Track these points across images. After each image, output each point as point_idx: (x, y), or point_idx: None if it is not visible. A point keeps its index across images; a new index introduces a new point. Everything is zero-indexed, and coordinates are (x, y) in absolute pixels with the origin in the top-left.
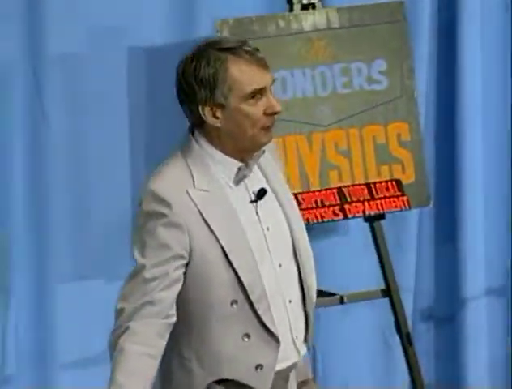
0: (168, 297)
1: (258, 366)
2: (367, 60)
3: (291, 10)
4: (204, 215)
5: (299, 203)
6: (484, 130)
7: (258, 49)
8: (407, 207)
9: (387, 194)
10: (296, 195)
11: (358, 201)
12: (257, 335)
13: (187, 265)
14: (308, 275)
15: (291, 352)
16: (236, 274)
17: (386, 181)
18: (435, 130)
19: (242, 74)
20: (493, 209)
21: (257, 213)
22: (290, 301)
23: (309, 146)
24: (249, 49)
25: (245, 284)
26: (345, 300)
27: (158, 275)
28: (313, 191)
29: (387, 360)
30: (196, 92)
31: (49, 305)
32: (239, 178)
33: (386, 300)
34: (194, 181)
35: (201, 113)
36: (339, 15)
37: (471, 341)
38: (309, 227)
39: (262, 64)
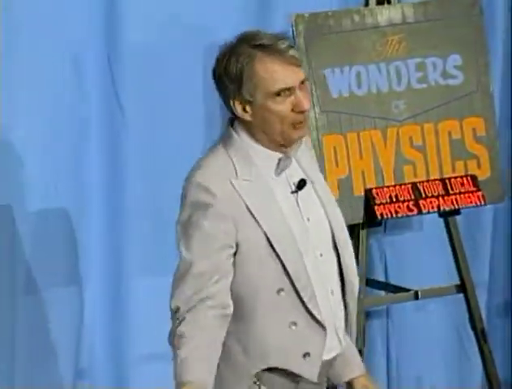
0: (222, 289)
1: (306, 354)
2: (442, 55)
3: (366, 4)
4: (248, 204)
5: (373, 198)
6: None
7: (292, 46)
8: (482, 202)
9: (462, 190)
10: (370, 190)
11: (432, 196)
12: (304, 324)
13: (234, 255)
14: (348, 266)
15: (334, 343)
16: (281, 262)
17: (462, 177)
18: (510, 125)
19: (268, 72)
20: None
21: (297, 204)
22: (332, 292)
23: (383, 141)
24: (282, 46)
25: (291, 272)
26: (419, 295)
27: (208, 269)
28: (388, 186)
29: (462, 357)
30: (226, 86)
31: (124, 301)
32: (280, 169)
33: (461, 296)
34: (236, 171)
35: (232, 106)
36: (414, 10)
37: None
38: (384, 222)
39: (292, 62)
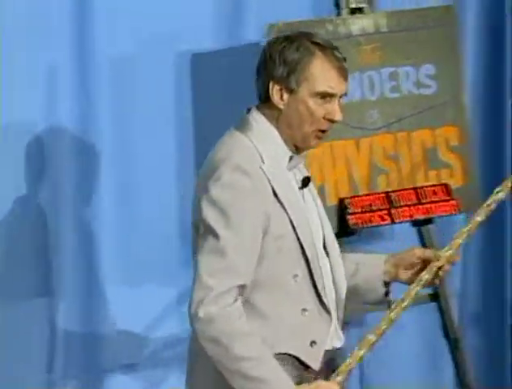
0: (252, 270)
1: (313, 342)
2: (415, 64)
3: (339, 14)
4: (276, 190)
5: (346, 208)
6: None
7: (345, 59)
8: (456, 211)
9: (435, 199)
10: (344, 200)
11: (406, 206)
12: (313, 310)
13: (264, 236)
14: (337, 272)
15: (336, 335)
16: (301, 247)
17: (434, 186)
18: (483, 134)
19: (322, 72)
20: None
21: (304, 199)
22: (336, 291)
23: (357, 150)
24: (339, 55)
25: (309, 256)
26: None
27: (244, 249)
28: (361, 196)
29: (434, 366)
30: (275, 67)
31: (97, 309)
32: (291, 166)
33: (434, 305)
34: (262, 158)
35: (270, 88)
36: (387, 19)
37: None
38: (357, 231)
39: (343, 73)
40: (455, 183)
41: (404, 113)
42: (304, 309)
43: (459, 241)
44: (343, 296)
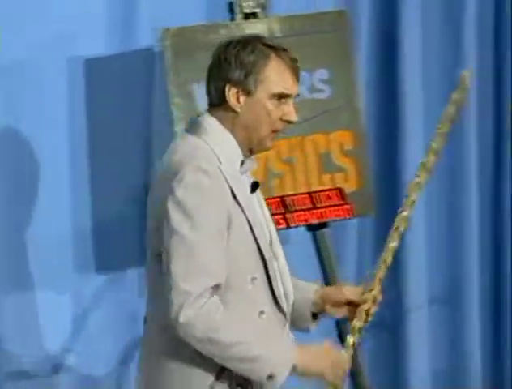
0: (224, 269)
1: None
2: (309, 69)
3: (232, 19)
4: (234, 191)
5: None
6: (426, 137)
7: (296, 60)
8: (350, 215)
9: (330, 203)
10: None
11: (301, 210)
12: (270, 313)
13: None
14: (284, 275)
15: (290, 334)
16: (259, 248)
17: (329, 190)
18: (377, 138)
19: (278, 73)
20: (435, 218)
21: (256, 203)
22: (286, 295)
23: None
24: (292, 56)
25: (266, 257)
26: None
27: (212, 248)
28: None
29: None
30: (231, 70)
31: None
32: (244, 169)
33: None
34: (219, 159)
35: (226, 92)
36: (280, 24)
37: (414, 350)
38: None
39: (296, 74)
40: (349, 187)
41: (298, 117)
42: (261, 312)
43: (380, 275)
44: (292, 299)
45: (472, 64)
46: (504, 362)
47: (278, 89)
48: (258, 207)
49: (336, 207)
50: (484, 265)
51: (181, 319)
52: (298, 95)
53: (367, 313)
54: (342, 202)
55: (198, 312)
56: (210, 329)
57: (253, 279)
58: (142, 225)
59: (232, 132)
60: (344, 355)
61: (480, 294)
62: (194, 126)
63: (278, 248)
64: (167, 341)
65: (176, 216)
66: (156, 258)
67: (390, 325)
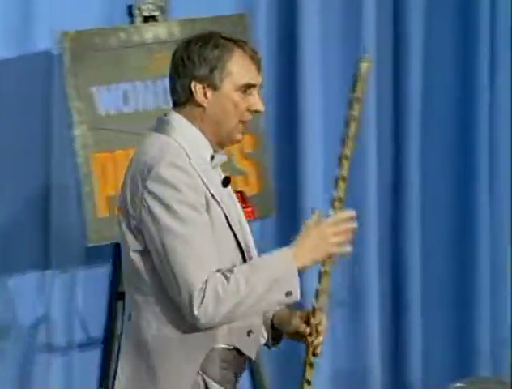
0: (216, 259)
1: (250, 332)
2: None
3: (132, 22)
4: (207, 184)
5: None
6: (326, 139)
7: (257, 52)
8: (252, 218)
9: None
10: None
11: None
12: None
13: None
14: None
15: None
16: (236, 240)
17: None
18: (277, 141)
19: (243, 66)
20: None
21: (228, 198)
22: None
23: None
24: (253, 48)
25: (244, 247)
26: None
27: (203, 237)
28: None
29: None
30: (195, 68)
31: None
32: (214, 164)
33: None
34: (187, 153)
35: (192, 88)
36: (181, 27)
37: None
38: None
39: (259, 65)
40: (251, 190)
41: None
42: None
43: (319, 306)
44: None
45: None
46: (402, 362)
47: (244, 80)
48: (231, 201)
49: None
50: (383, 268)
51: (197, 312)
52: (261, 85)
53: (312, 346)
54: (243, 205)
55: (208, 299)
56: (228, 300)
57: (233, 267)
58: (42, 227)
59: (201, 128)
60: (327, 220)
61: (380, 296)
62: (161, 125)
63: (250, 242)
64: (153, 336)
65: (162, 214)
66: (135, 253)
67: None
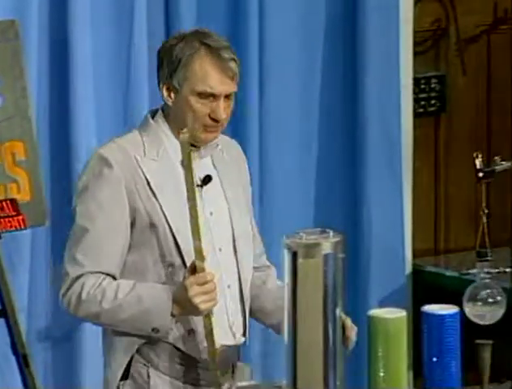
0: (117, 258)
1: (190, 331)
2: None
3: None
4: (151, 183)
5: None
6: (100, 144)
7: (234, 59)
8: (22, 226)
9: (2, 214)
10: None
11: None
12: None
13: (132, 226)
14: (244, 269)
15: (226, 335)
16: (174, 238)
17: (2, 201)
18: (50, 148)
19: (201, 71)
20: None
21: (201, 197)
22: (229, 286)
23: None
24: (225, 55)
25: (183, 248)
26: None
27: (104, 237)
28: None
29: (4, 382)
30: (162, 68)
31: None
32: (186, 161)
33: (2, 321)
34: (145, 149)
35: (160, 88)
36: None
37: (88, 361)
38: None
39: (228, 74)
40: (23, 198)
41: None
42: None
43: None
44: (247, 294)
45: (144, 64)
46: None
47: (200, 87)
48: (213, 199)
49: (9, 218)
50: None
51: (61, 298)
52: (231, 94)
53: None
54: (14, 213)
55: (70, 293)
56: (85, 305)
57: (170, 265)
58: None
59: (172, 126)
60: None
61: None
62: (142, 122)
63: (243, 241)
64: None
65: (77, 200)
66: None
67: (64, 336)
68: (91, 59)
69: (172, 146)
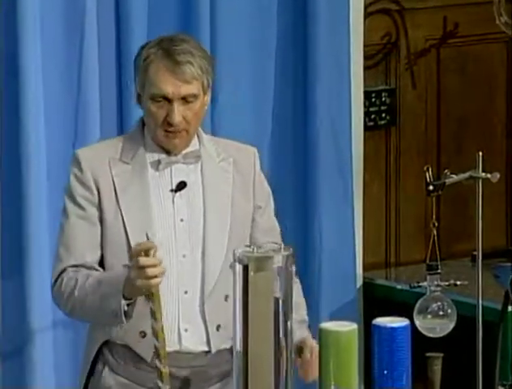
0: (94, 249)
1: (142, 333)
2: None
3: None
4: (117, 187)
5: None
6: (48, 154)
7: (191, 62)
8: None
9: None
10: None
11: None
12: (140, 303)
13: (101, 223)
14: (210, 271)
15: (172, 340)
16: (128, 243)
17: None
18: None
19: (156, 75)
20: None
21: (173, 202)
22: (186, 292)
23: None
24: (179, 58)
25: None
26: None
27: (78, 230)
28: None
29: None
30: (135, 75)
31: None
32: (162, 167)
33: None
34: (122, 152)
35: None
36: None
37: (38, 374)
38: None
39: (180, 77)
40: None
41: None
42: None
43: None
44: (213, 303)
45: (95, 77)
46: None
47: (154, 91)
48: (186, 204)
49: None
50: None
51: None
52: (187, 97)
53: None
54: None
55: (58, 286)
56: (61, 300)
57: (126, 266)
58: None
59: (147, 131)
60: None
61: None
62: (132, 127)
63: (216, 249)
64: None
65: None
66: None
67: (12, 351)
68: (40, 75)
69: (148, 150)
